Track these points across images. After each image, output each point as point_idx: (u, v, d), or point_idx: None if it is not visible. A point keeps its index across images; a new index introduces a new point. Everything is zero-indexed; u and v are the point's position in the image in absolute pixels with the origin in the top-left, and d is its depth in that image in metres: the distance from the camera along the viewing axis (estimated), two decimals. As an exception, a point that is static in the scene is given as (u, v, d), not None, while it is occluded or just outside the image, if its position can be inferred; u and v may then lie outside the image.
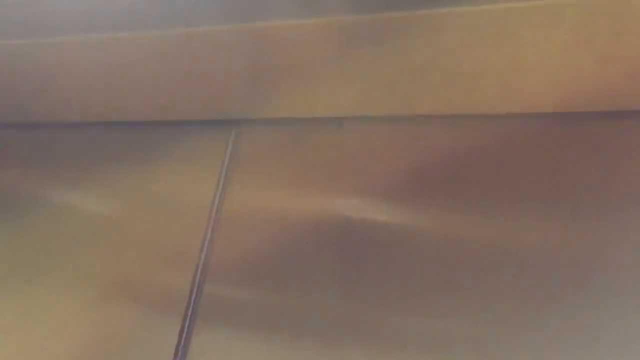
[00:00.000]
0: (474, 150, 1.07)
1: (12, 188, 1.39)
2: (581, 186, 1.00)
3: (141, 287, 1.17)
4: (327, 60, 1.08)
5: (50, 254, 1.27)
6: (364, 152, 1.14)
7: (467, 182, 1.06)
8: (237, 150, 1.22)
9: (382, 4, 0.98)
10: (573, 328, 0.92)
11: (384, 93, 1.11)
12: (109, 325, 1.16)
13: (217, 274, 1.13)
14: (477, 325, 0.96)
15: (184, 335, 1.09)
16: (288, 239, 1.12)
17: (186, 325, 1.10)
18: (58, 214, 1.31)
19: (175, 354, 1.08)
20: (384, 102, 1.13)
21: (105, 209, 1.29)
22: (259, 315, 1.07)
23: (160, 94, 1.24)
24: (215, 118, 1.25)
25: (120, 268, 1.20)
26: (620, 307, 0.91)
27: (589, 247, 0.96)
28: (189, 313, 1.11)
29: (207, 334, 1.09)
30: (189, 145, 1.26)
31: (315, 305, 1.05)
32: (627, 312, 0.91)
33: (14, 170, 1.41)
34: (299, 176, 1.17)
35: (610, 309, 0.91)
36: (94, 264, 1.22)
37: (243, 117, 1.24)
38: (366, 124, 1.16)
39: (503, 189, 1.03)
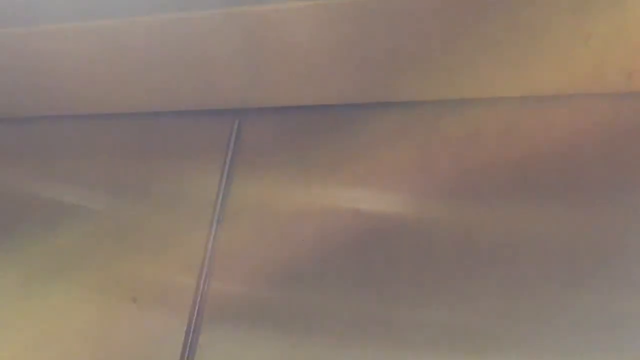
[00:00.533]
0: (477, 138, 1.05)
1: (7, 184, 1.36)
2: (595, 172, 0.97)
3: (146, 284, 1.15)
4: (331, 47, 1.05)
5: (50, 252, 1.24)
6: (372, 140, 1.11)
7: (474, 171, 1.03)
8: (241, 140, 1.20)
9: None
10: (590, 316, 0.90)
11: (389, 79, 1.08)
12: (114, 324, 1.14)
13: (223, 269, 1.11)
14: (490, 317, 0.94)
15: (192, 332, 1.07)
16: (295, 231, 1.09)
17: (193, 322, 1.08)
18: (57, 210, 1.29)
19: (183, 352, 1.07)
20: (391, 89, 1.10)
21: (106, 203, 1.27)
22: (266, 311, 1.05)
23: (160, 83, 1.20)
24: (217, 107, 1.22)
25: (123, 265, 1.18)
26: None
27: (604, 235, 0.93)
28: (196, 310, 1.09)
29: (215, 330, 1.07)
30: (191, 136, 1.24)
31: (324, 300, 1.03)
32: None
33: (9, 166, 1.39)
34: (305, 165, 1.14)
35: (628, 300, 0.89)
36: (96, 261, 1.20)
37: (246, 106, 1.21)
38: (375, 110, 1.13)
39: (513, 178, 1.01)
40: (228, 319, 1.07)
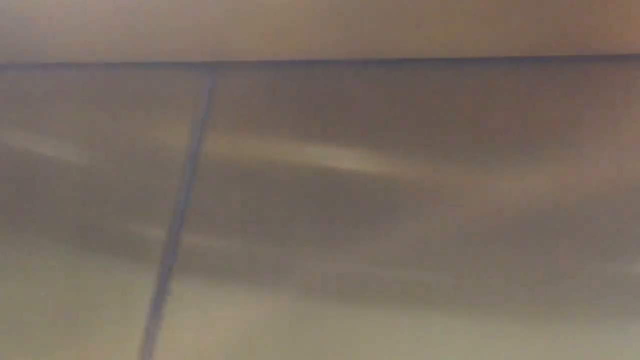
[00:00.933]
0: (453, 96, 1.06)
1: None
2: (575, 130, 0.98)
3: (115, 236, 1.15)
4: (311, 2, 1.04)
5: (17, 201, 1.24)
6: (349, 98, 1.11)
7: (447, 129, 1.04)
8: (215, 95, 1.18)
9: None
10: (568, 278, 0.91)
11: (369, 36, 1.07)
12: (82, 274, 1.14)
13: (194, 223, 1.11)
14: (460, 277, 0.95)
15: (161, 285, 1.08)
16: (267, 186, 1.10)
17: (163, 275, 1.09)
18: (25, 160, 1.27)
19: (152, 304, 1.07)
20: (369, 46, 1.09)
21: (75, 154, 1.25)
22: (238, 262, 1.06)
23: (133, 33, 1.18)
24: (191, 60, 1.20)
25: (92, 216, 1.18)
26: (621, 256, 0.90)
27: (582, 195, 0.94)
28: (166, 263, 1.09)
29: (185, 284, 1.07)
30: (163, 88, 1.22)
31: (296, 255, 1.04)
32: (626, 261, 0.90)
33: None
34: (280, 122, 1.13)
35: (610, 259, 0.90)
36: (65, 212, 1.20)
37: (221, 59, 1.19)
38: (352, 68, 1.12)
39: (489, 136, 1.01)
40: (199, 270, 1.08)
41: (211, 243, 1.10)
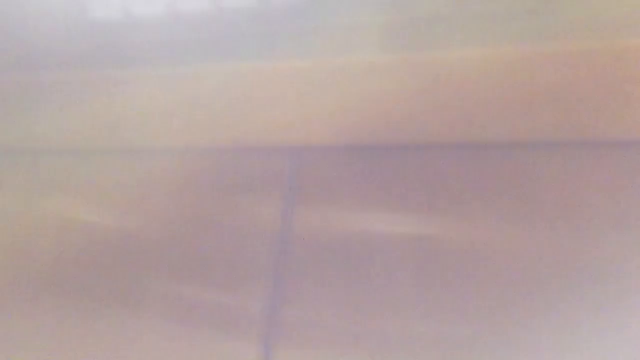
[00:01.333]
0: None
1: (67, 215, 1.38)
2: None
3: (215, 312, 1.19)
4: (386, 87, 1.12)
5: (114, 283, 1.29)
6: (435, 176, 1.17)
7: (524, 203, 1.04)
8: (299, 175, 1.27)
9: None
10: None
11: (449, 120, 1.12)
12: (181, 350, 1.19)
13: (290, 296, 1.16)
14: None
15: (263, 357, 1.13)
16: (358, 258, 1.14)
17: (264, 350, 1.14)
18: (123, 242, 1.33)
19: None
20: (443, 129, 1.14)
21: (173, 235, 1.31)
22: (339, 337, 1.09)
23: (221, 121, 1.30)
24: (275, 144, 1.29)
25: (190, 293, 1.23)
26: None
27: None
28: (265, 338, 1.14)
29: (286, 358, 1.11)
30: (250, 171, 1.31)
31: (396, 325, 1.07)
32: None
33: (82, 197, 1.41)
34: (364, 198, 1.19)
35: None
36: (161, 289, 1.25)
37: (303, 143, 1.28)
38: (432, 148, 1.19)
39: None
40: (299, 344, 1.12)
41: (309, 315, 1.13)
